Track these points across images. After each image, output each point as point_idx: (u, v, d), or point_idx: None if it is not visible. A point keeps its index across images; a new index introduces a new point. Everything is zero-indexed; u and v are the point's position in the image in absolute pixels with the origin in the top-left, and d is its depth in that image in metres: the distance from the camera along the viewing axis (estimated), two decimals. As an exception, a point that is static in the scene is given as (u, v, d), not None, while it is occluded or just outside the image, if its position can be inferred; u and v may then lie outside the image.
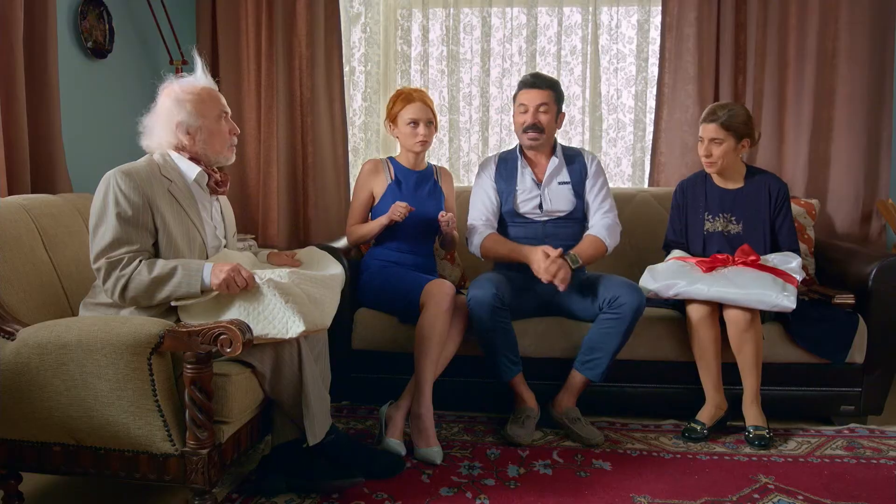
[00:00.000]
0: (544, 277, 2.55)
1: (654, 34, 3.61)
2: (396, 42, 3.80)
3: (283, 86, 3.62)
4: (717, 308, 2.60)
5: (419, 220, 2.80)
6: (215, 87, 2.22)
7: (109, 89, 3.23)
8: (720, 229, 2.78)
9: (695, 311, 2.60)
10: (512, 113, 2.91)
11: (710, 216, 2.81)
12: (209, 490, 1.88)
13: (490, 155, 3.01)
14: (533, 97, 2.78)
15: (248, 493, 2.20)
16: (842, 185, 3.42)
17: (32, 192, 2.57)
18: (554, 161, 2.85)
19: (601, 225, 2.79)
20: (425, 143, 2.84)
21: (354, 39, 3.80)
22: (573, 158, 2.89)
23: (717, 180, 2.84)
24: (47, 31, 2.64)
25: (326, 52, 3.64)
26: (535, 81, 2.80)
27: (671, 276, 2.64)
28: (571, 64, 3.73)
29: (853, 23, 3.33)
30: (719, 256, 2.65)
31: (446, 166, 3.76)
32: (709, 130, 2.72)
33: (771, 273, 2.56)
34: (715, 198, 2.82)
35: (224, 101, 2.22)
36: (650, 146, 3.63)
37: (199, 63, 2.23)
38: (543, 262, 2.56)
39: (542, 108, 2.78)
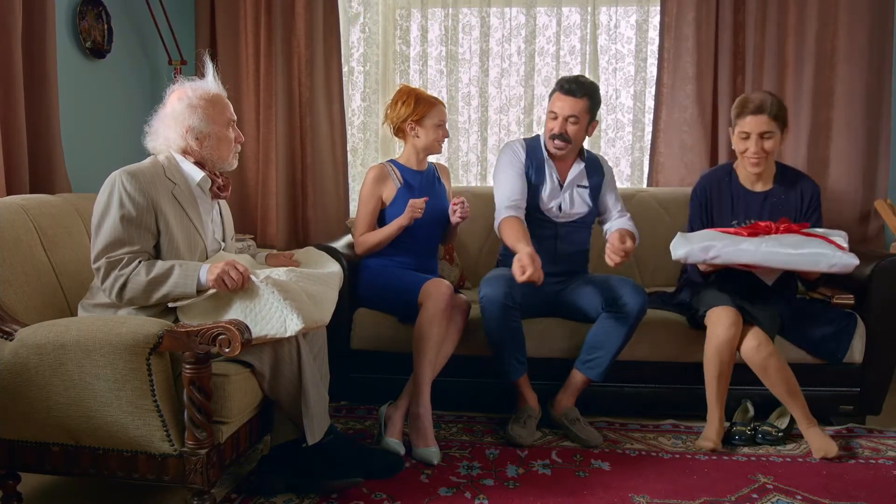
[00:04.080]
0: (520, 276, 2.36)
1: (653, 34, 3.61)
2: (395, 42, 3.81)
3: (282, 86, 3.62)
4: (739, 332, 2.45)
5: (430, 219, 2.78)
6: (225, 94, 2.24)
7: (108, 89, 3.23)
8: None
9: (723, 331, 2.43)
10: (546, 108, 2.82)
11: (735, 222, 2.60)
12: (208, 490, 1.88)
13: (516, 142, 2.86)
14: (565, 106, 2.68)
15: (247, 493, 2.20)
16: (840, 184, 3.43)
17: (31, 193, 2.57)
18: (580, 166, 2.82)
19: (625, 220, 2.85)
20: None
21: (353, 39, 3.80)
22: (595, 167, 2.87)
23: (743, 180, 2.63)
24: (46, 32, 2.64)
25: (325, 52, 3.64)
26: (572, 88, 2.67)
27: (708, 238, 2.41)
28: (570, 64, 3.73)
29: (852, 23, 3.33)
30: (761, 224, 2.42)
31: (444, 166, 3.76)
32: (760, 124, 2.48)
33: (820, 238, 2.35)
34: (741, 202, 2.62)
35: (231, 108, 2.23)
36: (649, 146, 3.64)
37: (210, 68, 2.25)
38: (521, 264, 2.38)
39: (571, 120, 2.69)
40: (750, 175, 2.60)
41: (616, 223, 2.85)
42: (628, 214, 2.90)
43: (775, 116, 2.49)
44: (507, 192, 2.72)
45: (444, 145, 3.73)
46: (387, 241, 2.75)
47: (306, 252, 2.51)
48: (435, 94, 3.71)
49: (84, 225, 2.36)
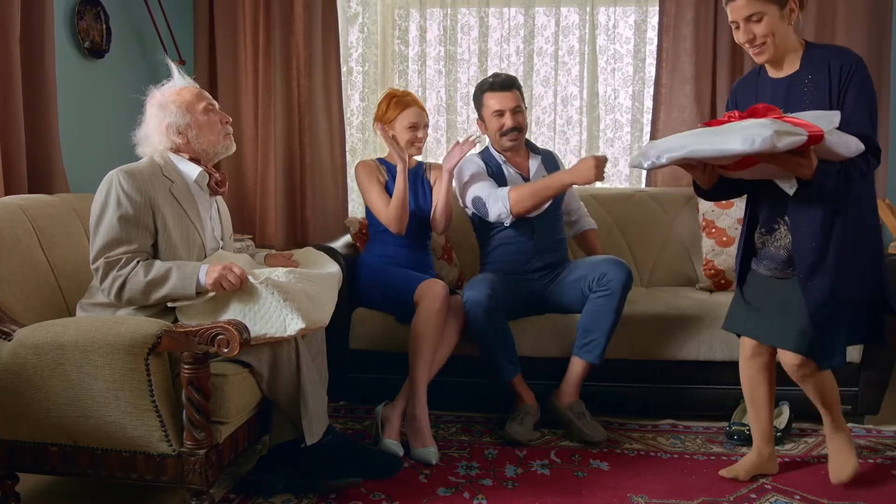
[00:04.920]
0: (595, 175, 2.55)
1: (652, 34, 3.61)
2: (394, 42, 3.80)
3: (281, 86, 3.61)
4: (767, 347, 2.22)
5: (416, 215, 2.84)
6: (196, 86, 2.26)
7: (107, 89, 3.22)
8: None
9: (742, 348, 2.29)
10: (478, 119, 2.90)
11: None
12: (206, 490, 1.88)
13: (471, 157, 2.90)
14: (507, 100, 2.78)
15: (246, 494, 2.20)
16: (839, 185, 3.42)
17: (29, 193, 2.57)
18: (536, 159, 2.91)
19: (587, 216, 3.14)
20: (422, 148, 2.92)
21: (352, 39, 3.80)
22: (550, 159, 2.98)
23: (769, 70, 2.17)
24: (44, 31, 2.64)
25: (324, 52, 3.63)
26: (505, 82, 2.80)
27: (656, 145, 2.02)
28: (569, 64, 3.73)
29: (850, 23, 3.33)
30: (727, 115, 2.02)
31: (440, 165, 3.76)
32: (739, 8, 2.02)
33: (775, 118, 1.86)
34: (766, 91, 2.16)
35: (207, 95, 2.25)
36: (647, 146, 3.63)
37: (173, 68, 2.30)
38: (592, 165, 2.56)
39: (517, 109, 2.80)
40: (772, 63, 2.14)
41: (583, 219, 3.12)
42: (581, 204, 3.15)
43: None
44: (487, 182, 2.79)
45: (443, 146, 3.77)
46: (404, 197, 2.74)
47: (305, 252, 2.52)
48: (433, 94, 3.75)
49: (82, 225, 2.36)
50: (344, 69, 3.73)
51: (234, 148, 2.28)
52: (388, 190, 2.82)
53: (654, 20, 3.58)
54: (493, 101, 2.80)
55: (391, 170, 2.88)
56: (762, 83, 2.18)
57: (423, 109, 2.87)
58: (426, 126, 2.88)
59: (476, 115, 2.94)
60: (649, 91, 3.62)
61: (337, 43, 3.65)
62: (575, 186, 2.84)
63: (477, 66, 3.72)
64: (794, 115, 1.92)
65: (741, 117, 1.95)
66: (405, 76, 3.76)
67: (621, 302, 2.58)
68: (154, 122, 2.17)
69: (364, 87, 3.80)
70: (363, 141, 3.85)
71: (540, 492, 2.21)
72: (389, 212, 2.76)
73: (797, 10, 2.04)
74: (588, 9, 3.61)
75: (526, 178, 2.85)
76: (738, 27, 2.07)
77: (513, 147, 2.86)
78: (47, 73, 2.66)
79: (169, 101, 2.16)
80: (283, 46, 3.61)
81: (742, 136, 1.81)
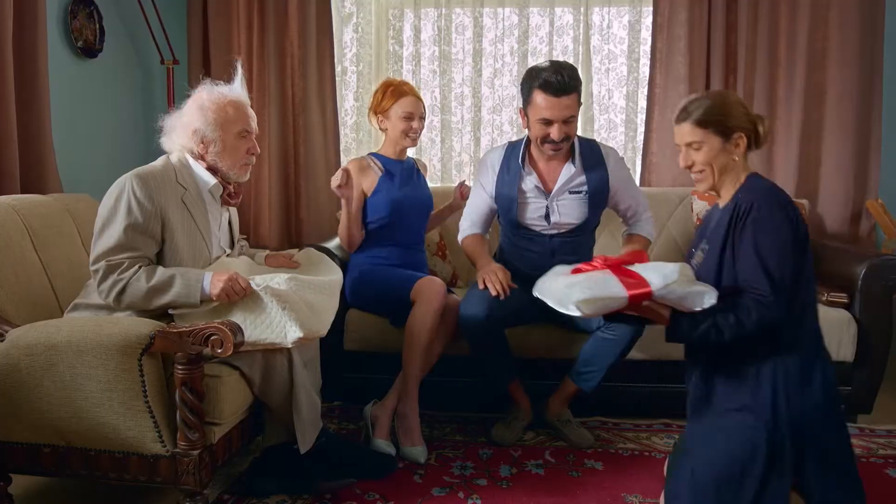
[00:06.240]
0: (480, 282, 2.49)
1: (646, 35, 3.62)
2: (388, 42, 3.80)
3: (275, 86, 3.61)
4: None
5: (415, 208, 2.78)
6: (246, 103, 2.19)
7: (100, 89, 3.22)
8: (694, 264, 2.00)
9: None
10: (521, 109, 2.51)
11: (695, 248, 2.05)
12: (200, 491, 1.87)
13: (495, 152, 2.70)
14: (559, 109, 2.37)
15: (240, 494, 2.20)
16: (832, 185, 3.44)
17: (22, 193, 2.56)
18: (570, 169, 2.55)
19: (642, 220, 2.71)
20: (417, 139, 2.78)
21: (346, 39, 3.80)
22: (593, 163, 2.58)
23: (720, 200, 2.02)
24: (37, 31, 2.63)
25: (318, 52, 3.63)
26: (564, 84, 2.34)
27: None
28: (563, 64, 3.74)
29: (843, 23, 3.34)
30: (596, 260, 1.97)
31: (438, 167, 3.77)
32: (682, 133, 1.93)
33: (617, 274, 1.84)
34: (710, 220, 2.04)
35: (251, 118, 2.18)
36: (641, 146, 3.64)
37: (238, 75, 2.21)
38: (485, 272, 2.49)
39: (569, 120, 2.40)
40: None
41: (630, 229, 2.72)
42: (643, 206, 2.71)
43: (703, 122, 1.90)
44: (472, 209, 2.75)
45: (438, 146, 3.77)
46: (349, 228, 2.70)
47: (306, 254, 2.49)
48: (427, 94, 3.75)
49: (76, 225, 2.35)
50: (338, 69, 3.73)
51: (246, 178, 2.23)
52: (380, 184, 2.73)
53: (648, 20, 3.59)
54: (544, 103, 2.38)
55: (386, 163, 2.79)
56: (713, 209, 2.03)
57: (419, 99, 2.73)
58: (422, 118, 2.74)
59: (520, 103, 2.54)
60: (643, 91, 3.63)
61: (331, 43, 3.64)
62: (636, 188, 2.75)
63: (471, 66, 3.72)
64: (639, 266, 1.87)
65: (603, 265, 1.91)
66: (399, 76, 3.76)
67: (627, 348, 2.47)
68: (186, 119, 2.11)
69: (358, 87, 3.80)
70: (357, 141, 3.85)
71: (534, 491, 2.21)
72: (339, 232, 2.76)
73: (743, 146, 1.91)
74: (582, 9, 3.61)
75: (546, 192, 2.58)
76: (680, 151, 1.98)
77: (556, 156, 2.55)
78: (40, 72, 2.65)
79: (208, 108, 2.09)
80: (277, 46, 3.61)
81: (564, 299, 1.84)
